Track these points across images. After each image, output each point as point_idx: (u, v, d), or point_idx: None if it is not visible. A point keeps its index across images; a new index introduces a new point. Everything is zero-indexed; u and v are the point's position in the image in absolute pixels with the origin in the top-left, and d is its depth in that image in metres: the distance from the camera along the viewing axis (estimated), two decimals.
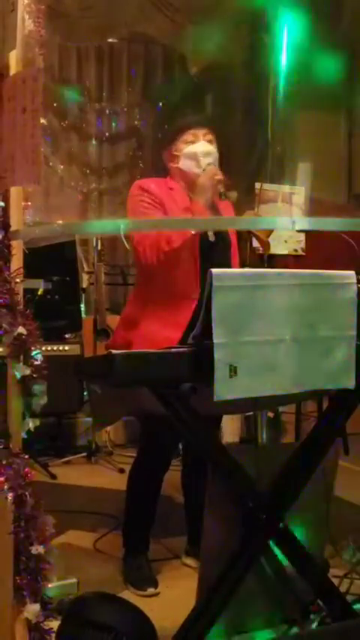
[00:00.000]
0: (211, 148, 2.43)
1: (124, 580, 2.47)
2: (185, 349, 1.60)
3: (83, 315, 4.53)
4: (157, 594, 2.40)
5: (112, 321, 4.06)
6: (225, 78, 4.73)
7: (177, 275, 2.34)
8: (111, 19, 4.36)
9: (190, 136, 2.44)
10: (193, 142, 2.43)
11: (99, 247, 4.39)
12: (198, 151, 2.41)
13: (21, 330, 1.61)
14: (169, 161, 2.51)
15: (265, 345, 1.56)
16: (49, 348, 3.89)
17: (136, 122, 5.27)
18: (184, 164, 2.44)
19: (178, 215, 2.34)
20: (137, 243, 2.31)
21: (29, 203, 1.72)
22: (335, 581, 2.04)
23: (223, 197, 2.43)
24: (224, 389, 1.50)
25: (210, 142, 2.45)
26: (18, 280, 1.66)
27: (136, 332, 2.36)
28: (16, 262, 1.68)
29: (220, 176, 2.38)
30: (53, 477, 3.77)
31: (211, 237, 2.42)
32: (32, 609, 1.60)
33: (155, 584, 2.43)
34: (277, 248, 3.33)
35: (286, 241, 3.39)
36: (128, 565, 2.52)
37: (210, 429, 1.98)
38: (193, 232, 2.29)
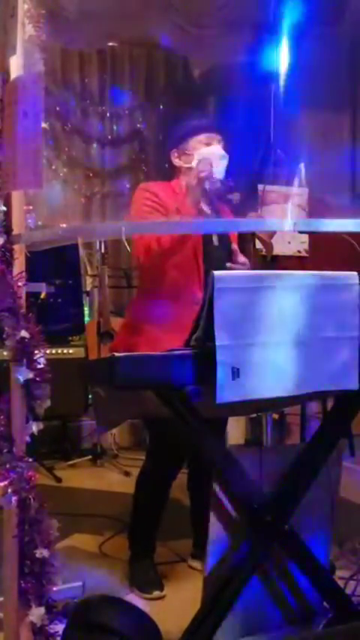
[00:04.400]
0: (225, 154, 2.44)
1: (130, 583, 2.47)
2: (187, 351, 1.60)
3: (87, 318, 4.54)
4: (162, 597, 2.40)
5: (116, 323, 4.06)
6: (227, 79, 4.72)
7: (180, 279, 2.35)
8: (112, 23, 4.36)
9: (204, 138, 2.45)
10: (207, 144, 2.44)
11: (103, 250, 4.40)
12: (216, 152, 2.42)
13: (24, 333, 1.61)
14: (179, 159, 2.49)
15: (268, 346, 1.56)
16: (52, 352, 3.89)
17: (138, 125, 5.28)
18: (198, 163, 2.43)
19: (171, 217, 2.34)
20: (134, 243, 2.33)
21: (31, 207, 1.72)
22: (341, 583, 2.04)
23: (226, 196, 2.43)
24: (227, 391, 1.49)
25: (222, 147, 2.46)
26: (20, 284, 1.66)
27: (139, 336, 2.37)
28: (19, 266, 1.68)
29: (205, 173, 2.36)
30: (58, 480, 3.78)
31: (216, 242, 2.43)
32: (37, 613, 1.61)
33: (161, 587, 2.43)
34: (281, 249, 3.33)
35: (289, 242, 3.39)
36: (134, 568, 2.52)
37: (214, 431, 1.97)
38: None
